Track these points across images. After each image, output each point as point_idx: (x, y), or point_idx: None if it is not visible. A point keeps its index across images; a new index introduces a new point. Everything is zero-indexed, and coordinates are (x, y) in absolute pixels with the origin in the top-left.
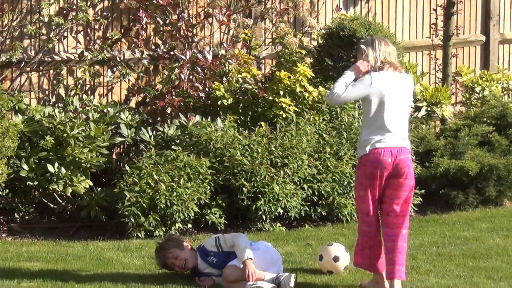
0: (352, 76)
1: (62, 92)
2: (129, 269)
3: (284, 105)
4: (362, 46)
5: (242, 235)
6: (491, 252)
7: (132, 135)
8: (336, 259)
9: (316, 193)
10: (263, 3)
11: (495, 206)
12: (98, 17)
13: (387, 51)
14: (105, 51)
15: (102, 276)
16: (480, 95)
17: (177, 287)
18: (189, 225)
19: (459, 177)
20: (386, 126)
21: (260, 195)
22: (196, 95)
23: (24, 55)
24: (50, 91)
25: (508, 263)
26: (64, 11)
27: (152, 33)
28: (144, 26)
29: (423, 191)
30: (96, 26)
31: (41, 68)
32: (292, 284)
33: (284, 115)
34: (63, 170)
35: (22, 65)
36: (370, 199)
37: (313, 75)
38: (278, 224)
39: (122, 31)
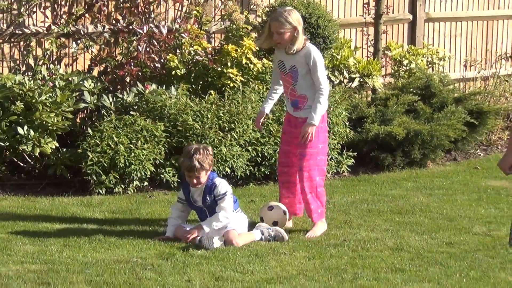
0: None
1: (31, 62)
2: (91, 222)
3: (231, 75)
4: (293, 24)
5: (227, 218)
6: (416, 208)
7: (95, 101)
8: (275, 224)
9: (260, 155)
10: None
11: (420, 168)
12: None
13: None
14: (70, 25)
15: (66, 228)
16: (407, 68)
17: (134, 239)
18: (146, 183)
19: (388, 141)
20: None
21: None
22: (152, 65)
23: None
24: (21, 61)
25: (431, 218)
26: None
27: (113, 9)
28: (106, 3)
29: (355, 153)
30: (62, 2)
31: (12, 40)
32: (215, 245)
33: (231, 84)
34: (31, 132)
35: None
36: None
37: (258, 48)
38: None
39: (86, 7)
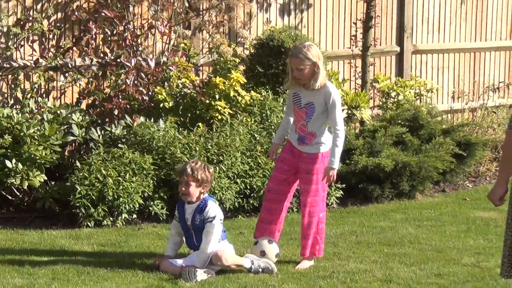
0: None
1: (19, 95)
2: (80, 255)
3: (219, 108)
4: (313, 59)
5: (211, 247)
6: (404, 240)
7: (83, 134)
8: (262, 253)
9: (248, 187)
10: (201, 16)
11: (408, 199)
12: (52, 28)
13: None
14: (58, 59)
15: (55, 261)
16: (395, 100)
17: (123, 272)
18: (134, 215)
19: (376, 173)
20: None
21: None
22: (140, 98)
23: None
24: (9, 94)
25: (419, 249)
26: (21, 22)
27: (100, 42)
28: (94, 36)
29: (344, 185)
30: (50, 36)
31: (0, 73)
32: (198, 278)
33: (219, 117)
34: (20, 165)
35: None
36: None
37: (246, 81)
38: None
39: (74, 40)
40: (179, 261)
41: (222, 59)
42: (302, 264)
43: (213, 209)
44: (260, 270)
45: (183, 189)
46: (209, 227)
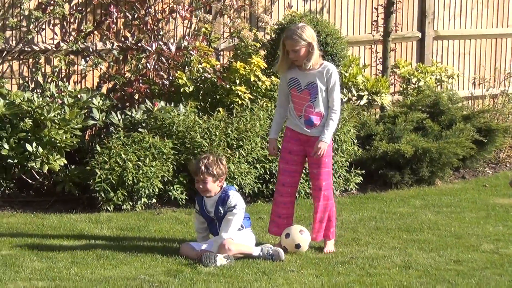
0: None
1: (40, 79)
2: (99, 239)
3: (240, 93)
4: (308, 40)
5: (235, 229)
6: (424, 226)
7: (103, 119)
8: (297, 246)
9: (268, 172)
10: (222, 0)
11: (428, 185)
12: (73, 11)
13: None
14: (79, 42)
15: (74, 245)
16: (416, 86)
17: (142, 256)
18: (154, 200)
19: (396, 159)
20: None
21: None
22: (161, 83)
23: (6, 45)
24: (29, 78)
25: (438, 236)
26: (43, 6)
27: (122, 27)
28: (115, 20)
29: (363, 171)
30: (71, 20)
31: (21, 57)
32: (218, 263)
33: (239, 102)
34: (40, 149)
35: (4, 54)
36: None
37: (266, 66)
38: None
39: (95, 24)
40: (200, 246)
41: (243, 43)
42: (328, 247)
43: (234, 198)
44: (269, 256)
45: (201, 186)
46: (229, 215)
